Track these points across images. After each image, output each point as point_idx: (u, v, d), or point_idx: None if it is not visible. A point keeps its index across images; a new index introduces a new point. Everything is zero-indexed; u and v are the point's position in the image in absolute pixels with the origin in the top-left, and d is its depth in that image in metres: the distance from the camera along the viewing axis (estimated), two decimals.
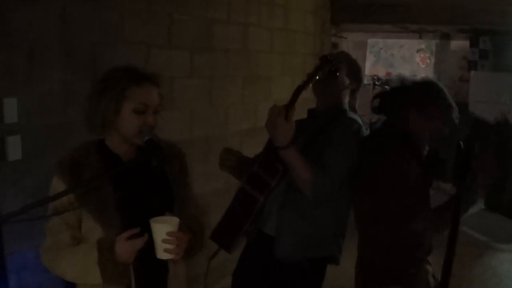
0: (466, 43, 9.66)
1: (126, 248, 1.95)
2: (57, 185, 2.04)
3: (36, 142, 2.97)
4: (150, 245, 2.01)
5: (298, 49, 5.68)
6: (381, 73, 10.74)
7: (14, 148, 2.91)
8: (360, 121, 2.83)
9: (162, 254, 2.02)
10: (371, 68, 11.15)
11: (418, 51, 10.90)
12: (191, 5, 4.08)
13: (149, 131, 2.06)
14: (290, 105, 2.45)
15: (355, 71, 2.92)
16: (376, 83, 9.26)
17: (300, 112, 2.69)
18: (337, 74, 2.73)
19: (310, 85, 2.56)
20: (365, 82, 10.39)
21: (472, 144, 2.26)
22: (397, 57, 11.13)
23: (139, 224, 1.99)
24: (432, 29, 9.27)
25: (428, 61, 10.80)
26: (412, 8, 6.33)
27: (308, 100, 2.81)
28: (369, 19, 6.59)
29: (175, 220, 2.03)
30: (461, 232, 2.39)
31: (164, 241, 1.99)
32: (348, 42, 10.85)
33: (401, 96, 2.71)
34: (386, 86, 9.28)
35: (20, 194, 2.87)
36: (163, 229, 2.00)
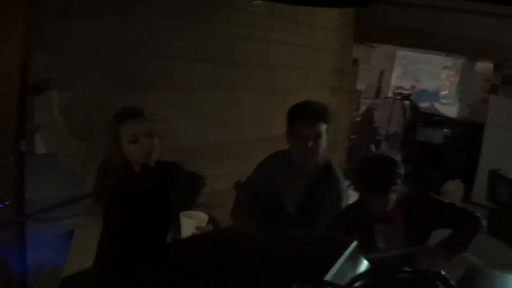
0: (491, 65, 9.73)
1: None
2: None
3: None
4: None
5: (318, 65, 5.98)
6: (407, 86, 10.88)
7: (41, 143, 3.31)
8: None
9: None
10: (396, 80, 11.30)
11: (444, 68, 11.02)
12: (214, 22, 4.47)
13: (148, 153, 2.52)
14: None
15: None
16: (397, 97, 9.45)
17: None
18: None
19: None
20: (389, 94, 10.54)
21: None
22: (424, 71, 11.27)
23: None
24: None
25: (452, 79, 10.93)
26: (436, 36, 6.48)
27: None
28: (391, 41, 6.80)
29: (203, 216, 2.26)
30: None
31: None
32: (378, 52, 10.99)
33: None
34: (406, 102, 9.44)
35: (46, 184, 3.27)
36: (192, 224, 2.19)
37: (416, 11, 6.42)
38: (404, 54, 11.27)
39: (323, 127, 3.08)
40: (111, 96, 3.50)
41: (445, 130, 9.65)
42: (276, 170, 3.32)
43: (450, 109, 10.45)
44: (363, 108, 9.98)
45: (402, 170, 2.91)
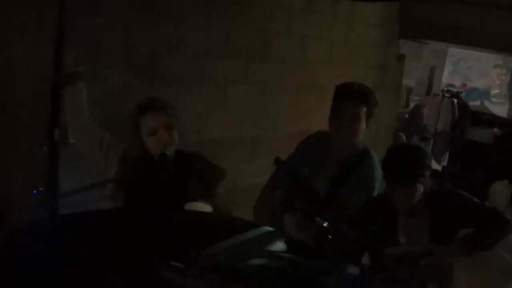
0: None
1: None
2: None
3: None
4: None
5: (359, 60, 5.95)
6: (457, 84, 10.67)
7: None
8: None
9: None
10: (448, 77, 11.11)
11: (494, 66, 10.77)
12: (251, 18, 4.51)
13: (165, 146, 2.58)
14: None
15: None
16: (446, 95, 9.27)
17: None
18: None
19: None
20: (440, 92, 10.34)
21: None
22: (475, 69, 11.04)
23: None
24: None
25: (503, 77, 10.67)
26: (486, 33, 6.33)
27: None
28: (436, 37, 6.68)
29: (207, 208, 2.38)
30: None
31: None
32: (428, 49, 10.78)
33: None
34: (455, 100, 9.26)
35: (78, 172, 3.38)
36: None
37: (465, 8, 6.29)
38: (455, 51, 11.06)
39: (363, 109, 3.03)
40: (141, 90, 3.58)
41: (495, 129, 9.42)
42: (312, 149, 3.29)
43: (500, 108, 10.26)
44: (412, 105, 9.87)
45: (430, 161, 2.85)
